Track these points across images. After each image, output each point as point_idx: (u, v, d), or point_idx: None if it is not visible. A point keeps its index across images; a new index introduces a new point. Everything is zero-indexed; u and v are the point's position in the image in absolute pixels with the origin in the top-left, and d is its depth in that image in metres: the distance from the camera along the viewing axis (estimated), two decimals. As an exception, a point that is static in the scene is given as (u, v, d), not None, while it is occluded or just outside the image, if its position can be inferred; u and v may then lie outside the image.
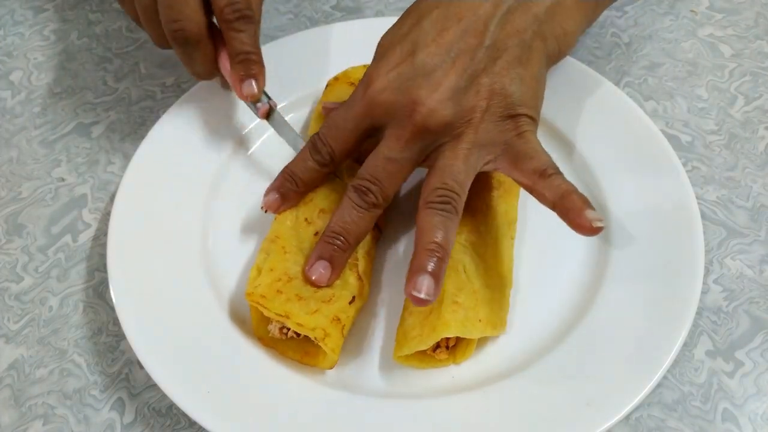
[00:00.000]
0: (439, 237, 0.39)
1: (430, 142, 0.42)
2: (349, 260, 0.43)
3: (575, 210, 0.39)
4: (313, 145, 0.45)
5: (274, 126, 0.50)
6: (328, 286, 0.42)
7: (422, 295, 0.38)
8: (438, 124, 0.41)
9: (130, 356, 0.45)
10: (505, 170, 0.43)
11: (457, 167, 0.41)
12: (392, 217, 0.49)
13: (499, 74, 0.42)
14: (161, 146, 0.51)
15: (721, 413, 0.42)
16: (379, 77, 0.42)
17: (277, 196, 0.45)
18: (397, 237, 0.49)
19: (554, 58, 0.45)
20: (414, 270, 0.39)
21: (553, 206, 0.40)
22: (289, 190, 0.45)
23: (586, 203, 0.40)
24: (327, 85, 0.54)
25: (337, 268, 0.42)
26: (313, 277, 0.42)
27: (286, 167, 0.46)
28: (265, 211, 0.45)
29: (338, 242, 0.42)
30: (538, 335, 0.43)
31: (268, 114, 0.49)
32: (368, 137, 0.44)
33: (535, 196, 0.41)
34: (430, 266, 0.39)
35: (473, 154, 0.42)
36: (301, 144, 0.47)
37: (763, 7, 0.65)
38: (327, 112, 0.50)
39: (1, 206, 0.53)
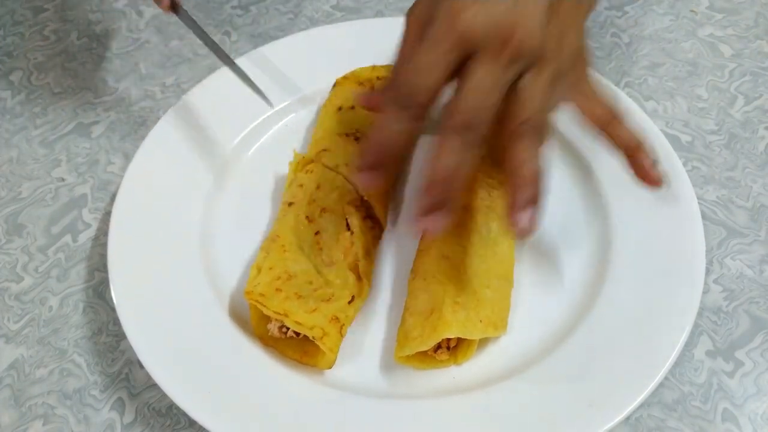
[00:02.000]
0: (532, 167, 0.38)
1: (524, 67, 0.39)
2: (349, 260, 0.43)
3: (644, 167, 0.41)
4: (395, 99, 0.39)
5: (184, 22, 0.51)
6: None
7: (526, 225, 0.37)
8: (534, 47, 0.38)
9: (130, 356, 0.45)
10: (573, 107, 0.42)
11: (546, 94, 0.39)
12: (394, 217, 0.49)
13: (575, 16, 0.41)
14: (161, 146, 0.51)
15: (721, 413, 0.42)
16: (467, 7, 0.38)
17: (374, 173, 0.40)
18: (398, 237, 0.49)
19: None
20: (515, 205, 0.37)
21: (623, 153, 0.42)
22: (384, 161, 0.40)
23: (654, 162, 0.41)
24: (335, 84, 0.54)
25: (448, 216, 0.38)
26: (428, 226, 0.38)
27: (372, 137, 0.39)
28: (364, 196, 0.45)
29: (447, 190, 0.38)
30: (539, 336, 0.43)
31: (174, 8, 0.50)
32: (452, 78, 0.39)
33: (603, 138, 0.42)
34: (531, 196, 0.38)
35: (558, 84, 0.40)
36: (212, 42, 0.50)
37: (763, 7, 0.65)
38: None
39: (1, 206, 0.53)
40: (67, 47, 0.63)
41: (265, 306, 0.41)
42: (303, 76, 0.56)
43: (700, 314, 0.46)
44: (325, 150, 0.48)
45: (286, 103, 0.55)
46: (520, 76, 0.39)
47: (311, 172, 0.48)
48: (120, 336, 0.46)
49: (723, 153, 0.54)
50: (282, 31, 0.63)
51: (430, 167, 0.38)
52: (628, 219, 0.47)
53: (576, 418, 0.38)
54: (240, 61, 0.55)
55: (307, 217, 0.45)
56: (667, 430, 0.42)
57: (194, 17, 0.51)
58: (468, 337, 0.41)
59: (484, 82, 0.38)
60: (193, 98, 0.53)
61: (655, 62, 0.61)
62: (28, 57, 0.63)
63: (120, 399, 0.43)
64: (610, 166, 0.50)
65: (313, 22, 0.64)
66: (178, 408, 0.41)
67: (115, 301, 0.43)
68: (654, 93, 0.58)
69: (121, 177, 0.49)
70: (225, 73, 0.55)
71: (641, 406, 0.40)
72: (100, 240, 0.50)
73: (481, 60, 0.38)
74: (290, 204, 0.46)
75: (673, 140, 0.55)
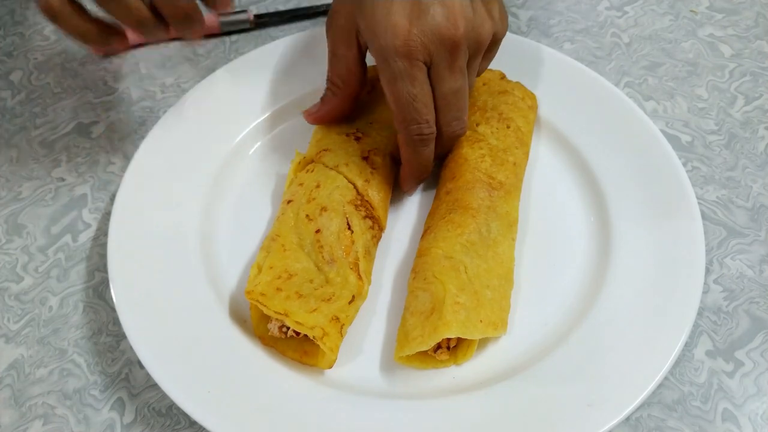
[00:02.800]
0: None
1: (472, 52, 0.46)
2: (350, 259, 0.43)
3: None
4: (418, 140, 0.46)
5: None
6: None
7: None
8: (477, 36, 0.44)
9: (130, 356, 0.45)
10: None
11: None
12: (394, 217, 0.49)
13: None
14: (161, 146, 0.51)
15: (721, 413, 0.42)
16: (405, 29, 0.42)
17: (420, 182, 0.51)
18: (398, 238, 0.49)
19: None
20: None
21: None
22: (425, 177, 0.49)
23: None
24: None
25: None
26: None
27: (412, 171, 0.48)
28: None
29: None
30: (539, 336, 0.43)
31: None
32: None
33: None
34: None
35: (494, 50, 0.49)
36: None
37: (763, 7, 0.65)
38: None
39: (1, 206, 0.53)
40: (67, 47, 0.63)
41: (265, 306, 0.41)
42: (303, 76, 0.56)
43: (700, 314, 0.46)
44: (325, 150, 0.48)
45: (286, 103, 0.55)
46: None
47: (312, 171, 0.48)
48: (120, 336, 0.46)
49: (723, 153, 0.54)
50: (282, 31, 0.63)
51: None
52: (628, 219, 0.47)
53: (576, 419, 0.38)
54: (240, 61, 0.56)
55: (307, 215, 0.45)
56: (667, 430, 0.42)
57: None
58: (468, 337, 0.41)
59: (454, 89, 0.44)
60: (193, 98, 0.53)
61: (655, 62, 0.61)
62: (28, 57, 0.63)
63: (120, 399, 0.43)
64: (610, 166, 0.50)
65: (314, 22, 0.64)
66: (178, 408, 0.41)
67: (114, 301, 0.43)
68: (654, 93, 0.58)
69: (121, 177, 0.49)
70: (225, 73, 0.55)
71: (641, 406, 0.40)
72: (100, 240, 0.50)
73: (441, 73, 0.43)
74: (289, 202, 0.46)
75: (673, 140, 0.55)
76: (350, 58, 0.47)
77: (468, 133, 0.49)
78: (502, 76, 0.53)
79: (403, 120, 0.44)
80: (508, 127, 0.49)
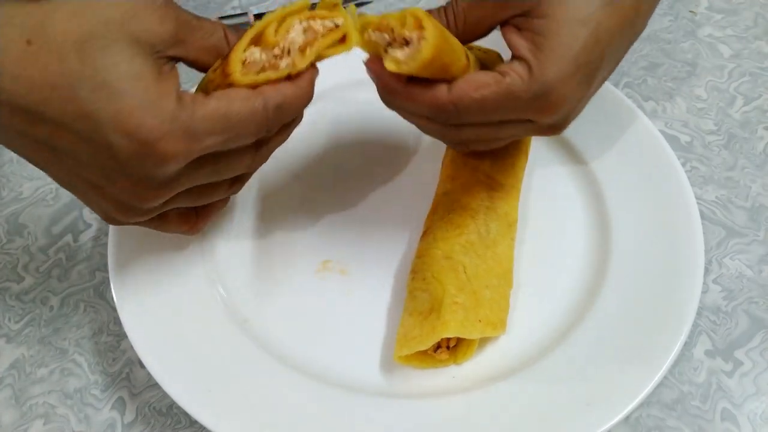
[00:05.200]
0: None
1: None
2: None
3: None
4: (441, 116, 0.38)
5: None
6: None
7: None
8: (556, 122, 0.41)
9: (130, 356, 0.45)
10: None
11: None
12: (392, 218, 0.49)
13: None
14: (162, 146, 0.51)
15: (720, 413, 0.42)
16: (559, 91, 0.37)
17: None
18: (397, 239, 0.49)
19: None
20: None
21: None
22: None
23: None
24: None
25: None
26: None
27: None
28: None
29: None
30: (538, 336, 0.43)
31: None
32: None
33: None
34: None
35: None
36: None
37: (762, 8, 0.65)
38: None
39: (2, 206, 0.53)
40: (68, 48, 0.63)
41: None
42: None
43: (699, 314, 0.46)
44: None
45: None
46: None
47: None
48: (121, 335, 0.46)
49: (722, 153, 0.55)
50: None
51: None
52: (628, 219, 0.47)
53: (575, 418, 0.38)
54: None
55: None
56: (667, 429, 0.42)
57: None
58: (467, 337, 0.41)
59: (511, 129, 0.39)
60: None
61: (654, 62, 0.61)
62: (29, 57, 0.63)
63: (121, 398, 0.44)
64: (610, 166, 0.50)
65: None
66: (178, 407, 0.41)
67: (115, 301, 0.43)
68: (653, 93, 0.58)
69: (122, 177, 0.49)
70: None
71: (640, 405, 0.40)
72: (101, 240, 0.51)
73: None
74: None
75: (672, 140, 0.55)
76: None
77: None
78: (502, 77, 0.53)
79: (440, 105, 0.37)
80: (508, 127, 0.49)
